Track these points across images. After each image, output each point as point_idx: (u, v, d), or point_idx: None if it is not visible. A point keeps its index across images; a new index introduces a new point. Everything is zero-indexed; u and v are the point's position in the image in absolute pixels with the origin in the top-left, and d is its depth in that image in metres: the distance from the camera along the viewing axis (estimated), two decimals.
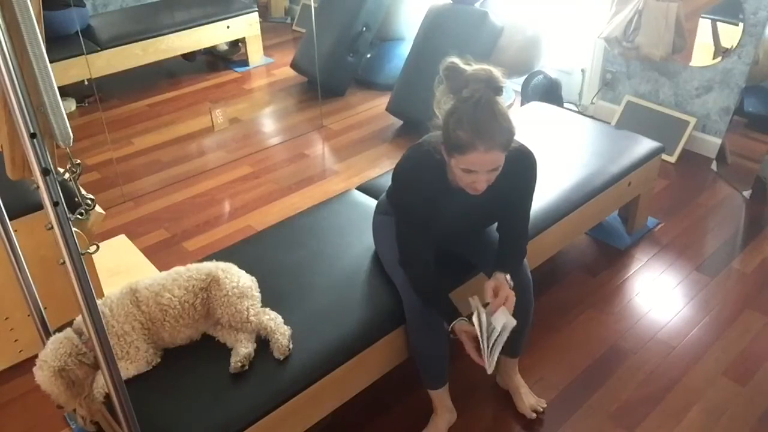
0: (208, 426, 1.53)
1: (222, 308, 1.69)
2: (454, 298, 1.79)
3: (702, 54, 3.34)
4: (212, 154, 3.72)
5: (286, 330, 1.69)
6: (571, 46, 3.90)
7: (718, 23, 3.28)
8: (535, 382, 2.15)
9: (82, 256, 1.17)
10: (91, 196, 1.68)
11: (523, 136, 1.75)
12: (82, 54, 3.72)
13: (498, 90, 1.58)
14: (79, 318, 1.64)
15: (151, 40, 4.27)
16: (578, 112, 3.87)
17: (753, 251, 2.77)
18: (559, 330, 2.38)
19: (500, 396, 2.12)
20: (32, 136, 1.06)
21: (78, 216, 1.25)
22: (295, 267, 2.00)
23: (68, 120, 1.21)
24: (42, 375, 1.56)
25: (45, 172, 1.09)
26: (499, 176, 1.63)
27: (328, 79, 4.20)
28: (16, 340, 2.26)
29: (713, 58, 3.33)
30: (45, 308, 1.76)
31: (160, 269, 2.31)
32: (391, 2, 4.31)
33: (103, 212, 2.43)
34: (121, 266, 2.73)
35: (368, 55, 4.45)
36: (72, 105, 4.19)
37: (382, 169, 3.42)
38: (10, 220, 1.61)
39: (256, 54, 4.87)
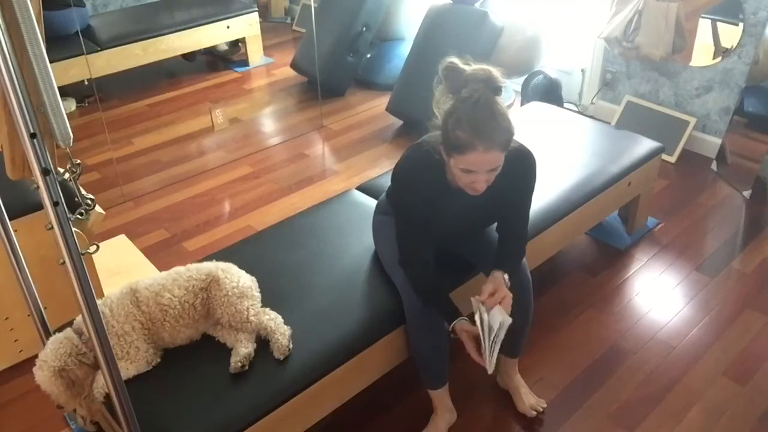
0: (208, 426, 1.53)
1: (222, 308, 1.69)
2: (454, 298, 1.78)
3: (702, 54, 3.34)
4: (212, 154, 3.72)
5: (286, 330, 1.69)
6: (571, 46, 3.90)
7: (718, 23, 3.28)
8: (535, 382, 2.15)
9: (82, 256, 1.17)
10: (91, 196, 1.68)
11: (523, 136, 1.75)
12: (82, 54, 3.72)
13: (497, 90, 1.58)
14: (79, 318, 1.64)
15: (151, 40, 4.27)
16: (578, 112, 3.87)
17: (753, 251, 2.77)
18: (559, 330, 2.38)
19: (500, 396, 2.12)
20: (32, 136, 1.06)
21: (78, 216, 1.25)
22: (295, 267, 2.00)
23: (68, 120, 1.21)
24: (42, 375, 1.56)
25: (45, 172, 1.09)
26: (498, 176, 1.63)
27: (328, 79, 4.20)
28: (16, 340, 2.26)
29: (713, 58, 3.33)
30: (45, 308, 1.76)
31: (160, 269, 2.31)
32: (391, 2, 4.31)
33: (103, 212, 2.43)
34: (121, 266, 2.73)
35: (368, 55, 4.45)
36: (72, 105, 4.19)
37: (382, 169, 3.42)
38: (10, 220, 1.61)
39: (256, 54, 4.87)
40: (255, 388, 1.62)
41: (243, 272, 1.79)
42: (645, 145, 2.68)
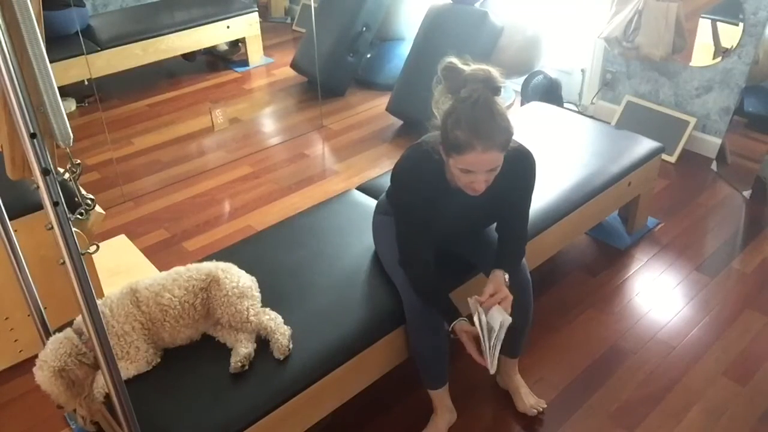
0: (208, 426, 1.53)
1: (222, 308, 1.69)
2: (454, 298, 1.79)
3: (702, 54, 3.34)
4: (212, 154, 3.72)
5: (286, 330, 1.69)
6: (571, 46, 3.90)
7: (718, 23, 3.28)
8: (535, 382, 2.15)
9: (82, 256, 1.17)
10: (91, 196, 1.68)
11: (523, 136, 1.75)
12: (82, 54, 3.72)
13: (496, 90, 1.58)
14: (79, 318, 1.64)
15: (151, 40, 4.27)
16: (578, 112, 3.87)
17: (753, 251, 2.77)
18: (559, 330, 2.38)
19: (500, 396, 2.12)
20: (32, 136, 1.06)
21: (78, 216, 1.25)
22: (295, 267, 2.00)
23: (68, 120, 1.21)
24: (42, 375, 1.56)
25: (45, 172, 1.09)
26: (498, 176, 1.63)
27: (328, 79, 4.20)
28: (16, 340, 2.26)
29: (713, 58, 3.33)
30: (45, 308, 1.76)
31: (160, 269, 2.31)
32: (391, 2, 4.31)
33: (103, 212, 2.43)
34: (121, 266, 2.73)
35: (368, 55, 4.45)
36: (72, 105, 4.19)
37: (382, 169, 3.42)
38: (10, 220, 1.61)
39: (256, 54, 4.87)
40: (255, 388, 1.62)
41: (243, 272, 1.79)
42: (645, 145, 2.68)
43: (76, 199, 1.37)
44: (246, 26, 4.71)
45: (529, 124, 2.84)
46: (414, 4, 4.38)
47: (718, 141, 3.39)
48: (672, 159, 3.42)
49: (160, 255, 2.85)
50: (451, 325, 1.73)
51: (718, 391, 2.13)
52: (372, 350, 1.81)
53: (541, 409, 2.05)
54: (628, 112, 3.67)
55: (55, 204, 1.11)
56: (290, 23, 5.62)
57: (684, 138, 3.44)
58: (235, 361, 1.62)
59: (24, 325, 2.18)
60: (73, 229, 1.15)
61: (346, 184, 3.31)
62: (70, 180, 1.30)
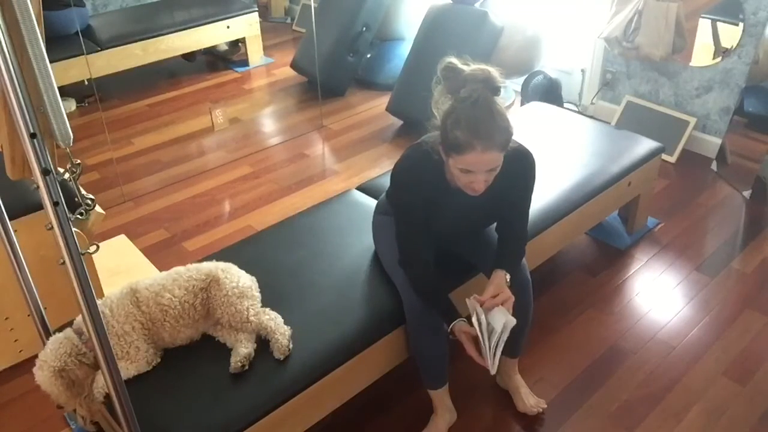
0: (208, 426, 1.53)
1: (222, 308, 1.69)
2: (454, 298, 1.79)
3: (702, 54, 3.34)
4: (212, 154, 3.72)
5: (286, 330, 1.69)
6: (571, 46, 3.90)
7: (718, 23, 3.28)
8: (535, 382, 2.15)
9: (82, 256, 1.17)
10: (91, 196, 1.69)
11: (523, 136, 1.75)
12: (82, 54, 3.72)
13: (496, 90, 1.58)
14: (79, 318, 1.64)
15: (151, 40, 4.27)
16: (578, 112, 3.87)
17: (753, 251, 2.77)
18: (559, 330, 2.38)
19: (500, 396, 2.12)
20: (32, 136, 1.06)
21: (78, 216, 1.25)
22: (295, 267, 2.00)
23: (68, 120, 1.21)
24: (42, 375, 1.56)
25: (45, 172, 1.09)
26: (497, 176, 1.63)
27: (328, 79, 4.20)
28: (16, 340, 2.26)
29: (713, 58, 3.33)
30: (45, 308, 1.76)
31: (160, 269, 2.31)
32: (391, 2, 4.31)
33: (103, 212, 2.43)
34: (121, 266, 2.73)
35: (368, 55, 4.45)
36: (72, 105, 4.19)
37: (382, 169, 3.42)
38: (10, 220, 1.61)
39: (256, 54, 4.87)
40: (255, 388, 1.62)
41: (243, 272, 1.79)
42: (645, 145, 2.68)
43: (76, 199, 1.37)
44: (246, 26, 4.71)
45: (529, 124, 2.84)
46: (414, 4, 4.38)
47: (718, 141, 3.39)
48: (672, 159, 3.42)
49: (160, 255, 2.85)
50: (451, 326, 1.73)
51: (718, 391, 2.13)
52: (372, 350, 1.81)
53: (541, 409, 2.05)
54: (628, 112, 3.67)
55: (55, 204, 1.11)
56: (290, 23, 5.63)
57: (684, 138, 3.44)
58: (235, 361, 1.62)
59: (24, 325, 2.18)
60: (73, 229, 1.15)
61: (346, 184, 3.31)
62: (70, 180, 1.30)
